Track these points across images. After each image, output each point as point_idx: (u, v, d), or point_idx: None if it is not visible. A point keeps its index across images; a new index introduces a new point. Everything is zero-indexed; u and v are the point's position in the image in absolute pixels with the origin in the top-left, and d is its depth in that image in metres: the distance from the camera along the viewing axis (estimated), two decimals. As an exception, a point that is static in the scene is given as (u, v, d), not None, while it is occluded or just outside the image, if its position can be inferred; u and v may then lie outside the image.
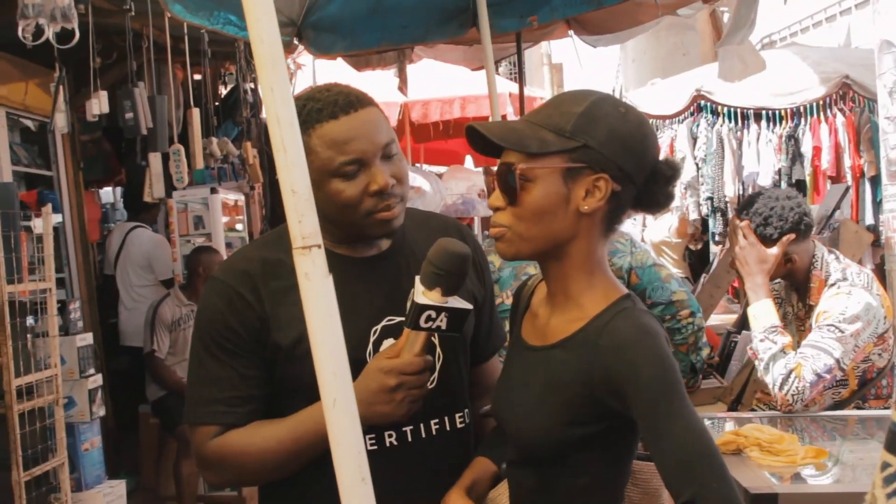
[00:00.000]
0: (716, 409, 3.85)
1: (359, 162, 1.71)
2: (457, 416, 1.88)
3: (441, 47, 6.23)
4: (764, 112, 7.12)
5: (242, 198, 6.94)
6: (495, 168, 1.61)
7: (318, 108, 1.71)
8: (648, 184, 1.58)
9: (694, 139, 7.43)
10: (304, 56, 7.11)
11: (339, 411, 1.41)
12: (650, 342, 1.49)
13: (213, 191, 6.34)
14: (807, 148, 6.88)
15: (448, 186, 5.25)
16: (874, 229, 6.15)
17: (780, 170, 6.97)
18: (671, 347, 1.54)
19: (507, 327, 1.88)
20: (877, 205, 6.47)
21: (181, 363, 5.62)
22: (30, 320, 4.15)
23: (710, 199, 7.30)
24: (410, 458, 1.79)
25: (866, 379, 3.15)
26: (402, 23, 4.89)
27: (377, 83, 7.73)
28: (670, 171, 1.60)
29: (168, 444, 5.89)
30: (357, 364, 1.55)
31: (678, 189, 6.97)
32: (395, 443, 1.78)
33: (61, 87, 5.29)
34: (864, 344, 3.03)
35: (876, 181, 6.44)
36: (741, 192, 7.09)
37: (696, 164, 7.37)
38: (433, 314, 1.63)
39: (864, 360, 3.10)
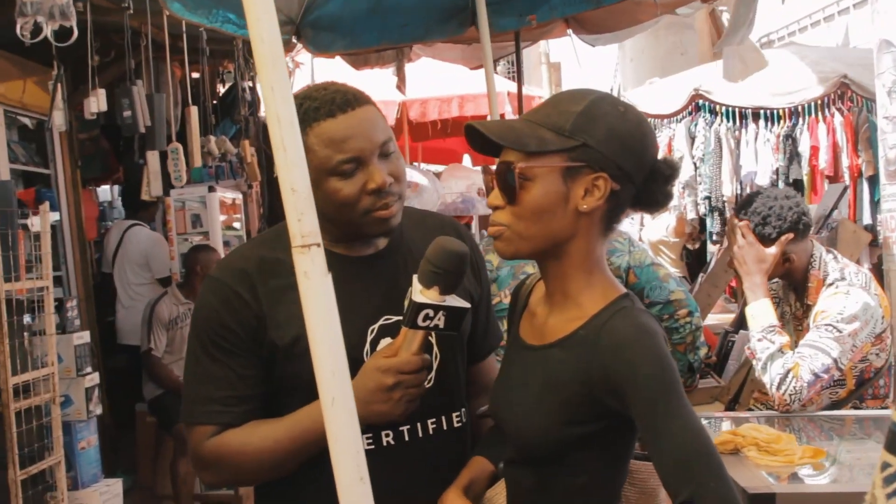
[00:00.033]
0: (713, 408, 3.85)
1: (356, 160, 1.70)
2: (454, 415, 1.88)
3: (439, 46, 6.23)
4: (762, 111, 7.12)
5: (240, 196, 6.93)
6: (494, 167, 1.61)
7: (316, 106, 1.71)
8: (647, 183, 1.58)
9: (692, 138, 7.43)
10: (302, 55, 7.10)
11: (338, 410, 1.41)
12: (649, 341, 1.49)
13: (211, 189, 6.33)
14: (804, 147, 6.88)
15: (447, 185, 5.24)
16: (872, 229, 6.15)
17: (777, 169, 6.97)
18: (669, 347, 1.54)
19: (505, 326, 1.88)
20: (874, 204, 6.48)
21: (178, 362, 5.61)
22: (27, 318, 4.15)
23: (708, 198, 7.30)
24: (407, 458, 1.79)
25: (864, 379, 3.15)
26: (401, 22, 4.89)
27: (375, 82, 7.73)
28: (669, 170, 1.60)
29: (165, 443, 5.89)
30: (354, 363, 1.55)
31: (676, 188, 6.96)
32: (393, 442, 1.78)
33: (59, 85, 5.29)
34: (862, 344, 3.03)
35: (874, 181, 6.45)
36: (739, 192, 7.09)
37: (694, 164, 7.37)
38: (431, 313, 1.63)
39: (861, 359, 3.10)
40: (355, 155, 1.70)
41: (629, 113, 1.58)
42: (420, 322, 1.64)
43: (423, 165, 10.87)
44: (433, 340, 1.81)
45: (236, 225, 6.86)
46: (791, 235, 3.12)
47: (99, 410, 4.54)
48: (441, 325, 1.65)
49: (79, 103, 5.78)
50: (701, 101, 7.31)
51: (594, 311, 1.57)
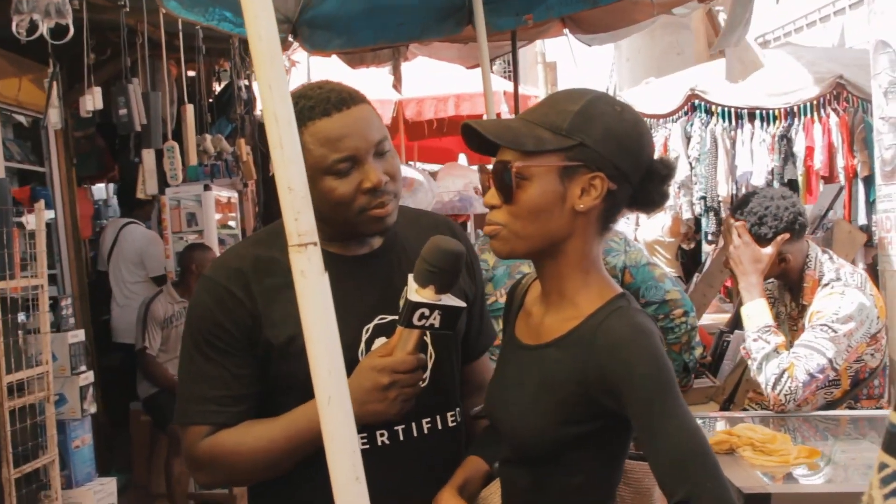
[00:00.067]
0: (708, 408, 3.85)
1: (352, 159, 1.70)
2: (448, 414, 1.88)
3: (436, 45, 6.23)
4: (758, 112, 7.12)
5: (236, 195, 6.92)
6: (491, 166, 1.60)
7: (311, 105, 1.70)
8: (644, 183, 1.58)
9: (688, 138, 7.43)
10: (298, 53, 7.10)
11: (334, 409, 1.40)
12: (645, 341, 1.49)
13: (207, 188, 6.33)
14: (799, 148, 6.88)
15: (445, 183, 5.25)
16: (867, 229, 6.15)
17: (772, 170, 6.98)
18: (664, 347, 1.54)
19: (501, 326, 1.88)
20: (870, 205, 6.48)
21: (173, 360, 5.60)
22: (21, 317, 4.13)
23: (704, 198, 7.31)
24: (402, 457, 1.79)
25: (859, 379, 3.16)
26: (397, 20, 4.89)
27: (372, 81, 7.73)
28: (665, 170, 1.60)
29: (159, 442, 5.88)
30: (350, 363, 1.55)
31: (672, 188, 6.97)
32: (387, 442, 1.78)
33: (55, 83, 5.28)
34: (857, 344, 3.03)
35: (869, 181, 6.45)
36: (734, 192, 7.10)
37: (690, 164, 7.37)
38: (426, 312, 1.63)
39: (856, 360, 3.10)
40: (350, 154, 1.70)
41: (626, 112, 1.58)
42: (416, 321, 1.63)
43: (418, 164, 10.88)
44: (428, 340, 1.81)
45: (231, 224, 6.85)
46: (787, 236, 3.12)
47: (93, 409, 4.53)
48: (437, 324, 1.64)
49: (74, 101, 5.77)
50: (697, 101, 7.31)
51: (590, 310, 1.57)
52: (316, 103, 1.71)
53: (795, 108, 6.96)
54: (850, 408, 3.17)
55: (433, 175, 7.57)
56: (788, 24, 11.55)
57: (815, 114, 6.89)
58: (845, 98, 6.89)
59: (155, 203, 6.83)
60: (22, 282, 4.03)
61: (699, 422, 1.49)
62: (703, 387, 4.05)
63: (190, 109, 5.80)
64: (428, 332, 1.70)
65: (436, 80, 9.00)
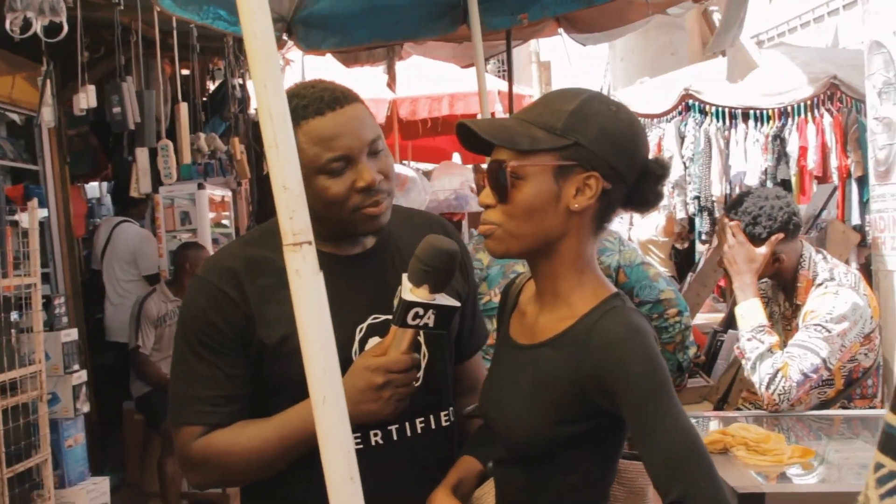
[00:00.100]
0: (702, 408, 3.86)
1: (345, 158, 1.70)
2: (442, 414, 1.87)
3: (430, 44, 6.23)
4: (752, 112, 7.12)
5: (229, 194, 6.92)
6: (485, 165, 1.60)
7: (304, 104, 1.70)
8: (639, 182, 1.58)
9: (682, 138, 7.43)
10: (292, 52, 7.09)
11: (329, 409, 1.40)
12: (639, 341, 1.49)
13: (201, 186, 6.32)
14: (793, 148, 6.89)
15: (441, 182, 5.25)
16: (860, 229, 6.16)
17: (766, 169, 6.98)
18: (658, 346, 1.54)
19: (495, 325, 1.88)
20: (863, 205, 6.49)
21: (166, 359, 5.59)
22: (14, 315, 4.12)
23: (697, 198, 7.31)
24: (396, 457, 1.79)
25: (852, 379, 3.16)
26: (392, 19, 4.89)
27: (366, 80, 7.72)
28: (660, 169, 1.60)
29: (152, 441, 5.87)
30: (343, 362, 1.55)
31: (665, 188, 6.96)
32: (381, 441, 1.77)
33: (48, 81, 5.26)
34: (851, 344, 3.04)
35: (862, 181, 6.46)
36: (728, 192, 7.10)
37: (684, 164, 7.37)
38: (421, 311, 1.63)
39: (850, 359, 3.11)
40: (344, 153, 1.70)
41: (621, 112, 1.58)
42: (410, 320, 1.63)
43: (413, 164, 10.88)
44: (421, 339, 1.81)
45: (225, 222, 6.84)
46: (781, 235, 3.13)
47: (86, 408, 4.52)
48: (431, 323, 1.64)
49: (68, 99, 5.75)
50: (691, 101, 7.31)
51: (585, 310, 1.57)
52: (309, 102, 1.70)
53: (789, 109, 6.96)
54: (844, 407, 3.18)
55: (427, 174, 7.57)
56: (782, 24, 11.55)
57: (809, 114, 6.90)
58: (839, 98, 6.89)
59: (149, 202, 6.82)
60: (15, 280, 4.02)
61: (693, 421, 1.49)
62: (696, 386, 4.05)
63: (184, 108, 5.79)
64: (422, 332, 1.70)
65: (430, 79, 8.99)
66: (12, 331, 4.05)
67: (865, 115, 5.09)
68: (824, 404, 3.16)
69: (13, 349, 3.99)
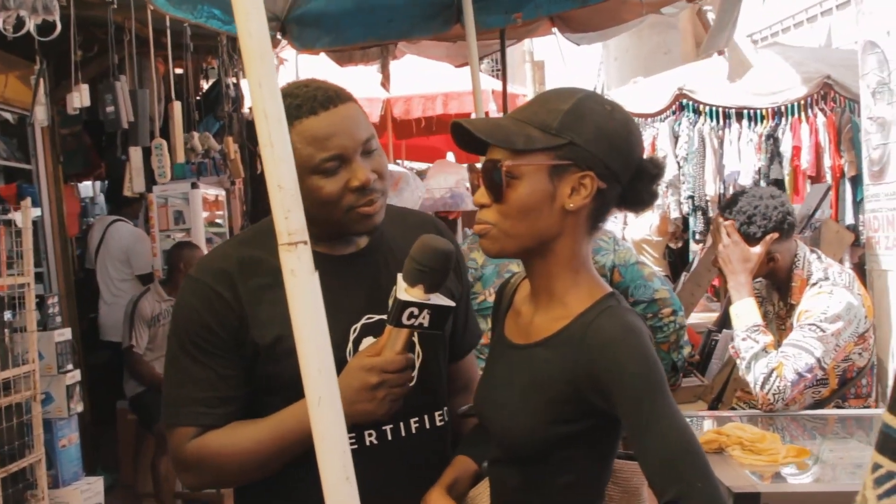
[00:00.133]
0: (696, 407, 3.86)
1: (339, 158, 1.70)
2: (436, 414, 1.87)
3: (424, 43, 6.22)
4: (745, 111, 7.14)
5: (223, 193, 6.91)
6: (480, 165, 1.60)
7: (297, 104, 1.69)
8: (633, 182, 1.58)
9: (675, 138, 7.44)
10: (286, 51, 7.08)
11: (325, 409, 1.40)
12: (635, 341, 1.49)
13: (194, 185, 6.31)
14: (786, 147, 6.90)
15: (436, 180, 5.24)
16: (854, 229, 6.18)
17: (759, 169, 7.00)
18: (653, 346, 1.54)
19: (490, 325, 1.87)
20: (857, 204, 6.51)
21: (160, 359, 5.58)
22: (7, 315, 4.11)
23: (692, 197, 7.32)
24: (391, 457, 1.78)
25: (846, 378, 3.17)
26: (387, 18, 4.88)
27: (360, 79, 7.71)
28: (655, 169, 1.60)
29: (146, 441, 5.86)
30: (338, 363, 1.54)
31: (660, 187, 6.97)
32: (376, 441, 1.77)
33: (42, 80, 5.25)
34: (845, 343, 3.04)
35: (856, 181, 6.47)
36: (722, 191, 7.11)
37: (678, 163, 7.38)
38: (416, 311, 1.62)
39: (844, 359, 3.11)
40: (338, 152, 1.69)
41: (616, 112, 1.58)
42: (405, 320, 1.63)
43: (406, 163, 10.88)
44: (416, 339, 1.80)
45: (219, 222, 6.83)
46: (776, 235, 3.13)
47: (80, 408, 4.51)
48: (426, 323, 1.64)
49: (61, 98, 5.74)
50: (685, 101, 7.32)
51: (580, 310, 1.57)
52: (302, 102, 1.70)
53: (783, 108, 6.97)
54: (838, 407, 3.18)
55: (421, 174, 7.57)
56: (776, 24, 11.58)
57: (803, 113, 6.91)
58: (832, 98, 6.90)
59: (142, 201, 6.82)
60: (8, 280, 4.01)
61: (687, 421, 1.49)
62: (691, 386, 4.05)
63: (177, 107, 5.78)
64: (416, 332, 1.69)
65: (424, 78, 8.99)
66: (6, 330, 4.04)
67: (859, 115, 5.11)
68: (819, 404, 3.17)
69: (6, 349, 3.98)
